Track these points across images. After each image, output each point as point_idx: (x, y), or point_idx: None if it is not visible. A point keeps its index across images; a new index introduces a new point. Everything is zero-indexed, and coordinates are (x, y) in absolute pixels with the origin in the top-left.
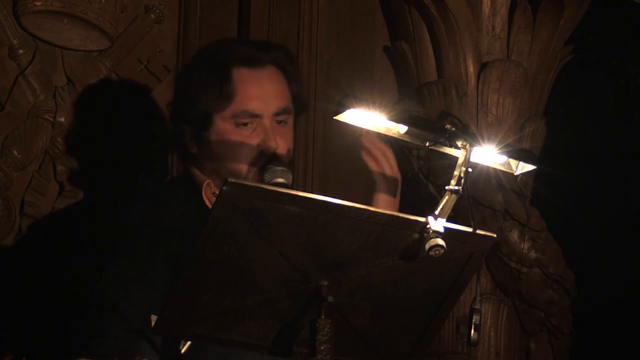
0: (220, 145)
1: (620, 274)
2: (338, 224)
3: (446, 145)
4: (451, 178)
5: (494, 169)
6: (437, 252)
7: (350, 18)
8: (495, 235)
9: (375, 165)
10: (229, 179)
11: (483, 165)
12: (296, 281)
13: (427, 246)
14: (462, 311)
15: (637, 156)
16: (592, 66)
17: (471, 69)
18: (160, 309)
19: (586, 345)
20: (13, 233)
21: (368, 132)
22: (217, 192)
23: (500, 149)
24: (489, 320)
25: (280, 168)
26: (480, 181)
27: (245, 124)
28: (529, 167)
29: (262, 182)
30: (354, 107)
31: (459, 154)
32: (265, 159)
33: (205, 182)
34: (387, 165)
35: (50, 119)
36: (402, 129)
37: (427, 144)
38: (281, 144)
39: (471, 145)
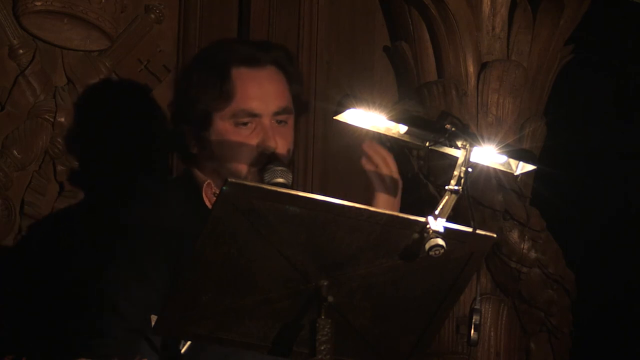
0: (220, 145)
1: (620, 274)
2: (338, 224)
3: (446, 145)
4: (451, 178)
5: (494, 169)
6: (437, 252)
7: (350, 18)
8: (495, 235)
9: (376, 171)
10: (229, 179)
11: (483, 165)
12: (296, 281)
13: (427, 246)
14: (462, 311)
15: (637, 156)
16: (592, 66)
17: (471, 69)
18: (160, 309)
19: (586, 345)
20: (13, 233)
21: (368, 132)
22: (218, 193)
23: (500, 149)
24: (489, 320)
25: (280, 168)
26: (480, 181)
27: (244, 124)
28: (529, 167)
29: (262, 182)
30: (354, 107)
31: (459, 154)
32: (265, 159)
33: (206, 183)
34: (388, 171)
35: (50, 119)
36: (402, 129)
37: (427, 144)
38: (281, 144)
39: (471, 145)
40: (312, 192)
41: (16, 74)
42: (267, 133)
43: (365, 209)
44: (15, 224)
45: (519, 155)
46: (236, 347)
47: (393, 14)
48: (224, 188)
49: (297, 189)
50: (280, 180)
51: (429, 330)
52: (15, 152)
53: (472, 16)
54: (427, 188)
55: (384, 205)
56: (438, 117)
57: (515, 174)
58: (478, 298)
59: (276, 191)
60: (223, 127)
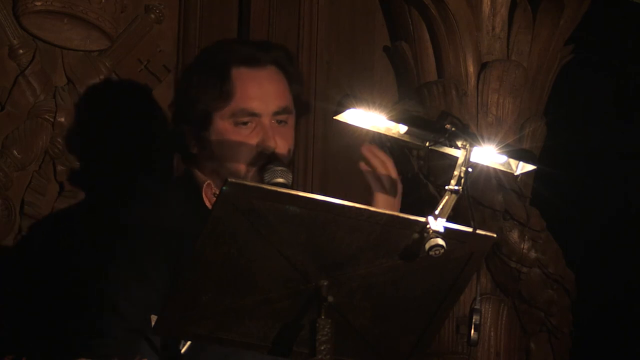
0: (220, 144)
1: (620, 274)
2: (338, 224)
3: (446, 145)
4: (451, 178)
5: (494, 169)
6: (437, 252)
7: (350, 18)
8: (495, 235)
9: (375, 175)
10: (229, 179)
11: (483, 165)
12: (296, 281)
13: (427, 246)
14: (462, 311)
15: (637, 156)
16: (592, 66)
17: (471, 69)
18: (160, 309)
19: (586, 345)
20: (13, 233)
21: (368, 132)
22: (218, 193)
23: (500, 149)
24: (489, 320)
25: (280, 168)
26: (480, 181)
27: (244, 123)
28: (529, 167)
29: (262, 182)
30: (354, 107)
31: (459, 154)
32: (265, 159)
33: (206, 183)
34: (387, 173)
35: (50, 119)
36: (402, 129)
37: (427, 144)
38: (281, 144)
39: (471, 145)
40: (312, 192)
41: (16, 74)
42: (267, 133)
43: (365, 209)
44: (15, 224)
45: (519, 155)
46: (236, 347)
47: (393, 14)
48: (224, 188)
49: (297, 189)
50: (280, 180)
51: (429, 330)
52: (15, 152)
53: (472, 16)
54: (427, 188)
55: (384, 207)
56: (438, 117)
57: (515, 174)
58: (478, 298)
59: (276, 191)
60: (223, 126)
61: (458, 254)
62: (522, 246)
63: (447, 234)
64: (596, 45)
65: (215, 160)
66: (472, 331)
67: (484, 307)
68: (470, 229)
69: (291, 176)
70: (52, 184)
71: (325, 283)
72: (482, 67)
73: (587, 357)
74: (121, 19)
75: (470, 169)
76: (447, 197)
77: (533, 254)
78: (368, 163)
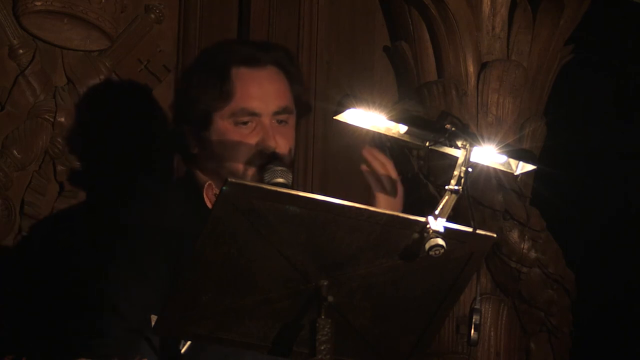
0: (220, 144)
1: (620, 274)
2: (338, 224)
3: (446, 145)
4: (451, 178)
5: (494, 169)
6: (437, 252)
7: (350, 18)
8: (495, 235)
9: (376, 177)
10: (229, 179)
11: (483, 165)
12: (296, 281)
13: (427, 246)
14: (462, 311)
15: (637, 156)
16: (592, 66)
17: (471, 69)
18: (160, 309)
19: (586, 345)
20: (13, 233)
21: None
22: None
23: (500, 149)
24: (489, 320)
25: (280, 168)
26: (480, 181)
27: (244, 123)
28: (529, 167)
29: (262, 182)
30: (354, 107)
31: (459, 154)
32: (265, 158)
33: (207, 184)
34: (387, 176)
35: (50, 119)
36: (402, 129)
37: (427, 144)
38: (281, 144)
39: (471, 145)
40: (312, 192)
41: (16, 74)
42: (267, 132)
43: (365, 209)
44: (15, 224)
45: (519, 155)
46: (236, 347)
47: (393, 14)
48: (224, 188)
49: (297, 189)
50: (280, 180)
51: (429, 330)
52: (15, 152)
53: (472, 16)
54: (427, 188)
55: (385, 209)
56: (438, 117)
57: (515, 174)
58: (478, 298)
59: (276, 191)
60: (223, 126)
61: (458, 254)
62: (522, 246)
63: (447, 234)
64: (596, 45)
65: (216, 160)
66: (472, 331)
67: (484, 307)
68: (470, 229)
69: (291, 176)
70: (52, 184)
71: (325, 283)
72: (482, 67)
73: (587, 357)
74: (121, 19)
75: (470, 169)
76: (447, 197)
77: (533, 254)
78: (369, 165)
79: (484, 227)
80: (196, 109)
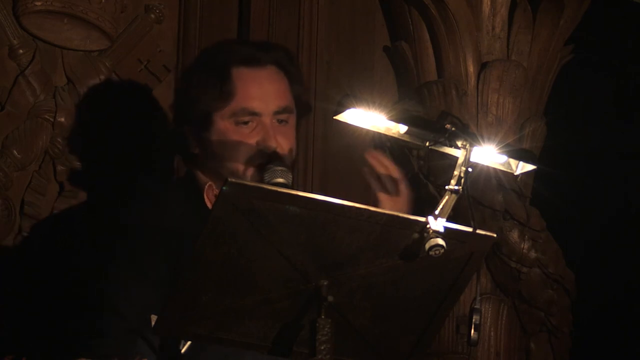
0: (221, 144)
1: (620, 274)
2: (338, 224)
3: (446, 145)
4: (451, 178)
5: (494, 169)
6: (437, 252)
7: (350, 18)
8: (495, 235)
9: (380, 180)
10: (229, 179)
11: (483, 165)
12: (296, 281)
13: (427, 246)
14: (462, 311)
15: (637, 156)
16: (592, 66)
17: (471, 69)
18: (160, 309)
19: (586, 345)
20: (13, 233)
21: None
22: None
23: (500, 148)
24: (489, 320)
25: (280, 168)
26: (480, 181)
27: (245, 123)
28: (529, 167)
29: (262, 181)
30: (354, 107)
31: (459, 153)
32: (266, 158)
33: (207, 185)
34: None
35: (50, 119)
36: (402, 128)
37: (427, 144)
38: (282, 143)
39: (471, 145)
40: (312, 192)
41: (16, 74)
42: (268, 132)
43: (365, 209)
44: (15, 224)
45: (519, 155)
46: (236, 347)
47: (393, 14)
48: (224, 188)
49: (297, 189)
50: (280, 180)
51: (429, 330)
52: (15, 152)
53: (472, 16)
54: (427, 188)
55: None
56: (438, 117)
57: (515, 174)
58: (478, 298)
59: (276, 191)
60: (224, 126)
61: (458, 254)
62: (522, 246)
63: (447, 234)
64: (596, 45)
65: (216, 160)
66: (472, 331)
67: (484, 307)
68: (470, 229)
69: (291, 176)
70: (52, 184)
71: (325, 283)
72: (482, 67)
73: (587, 357)
74: (121, 19)
75: (470, 169)
76: (447, 197)
77: (533, 254)
78: (372, 170)
79: (484, 227)
80: (196, 109)
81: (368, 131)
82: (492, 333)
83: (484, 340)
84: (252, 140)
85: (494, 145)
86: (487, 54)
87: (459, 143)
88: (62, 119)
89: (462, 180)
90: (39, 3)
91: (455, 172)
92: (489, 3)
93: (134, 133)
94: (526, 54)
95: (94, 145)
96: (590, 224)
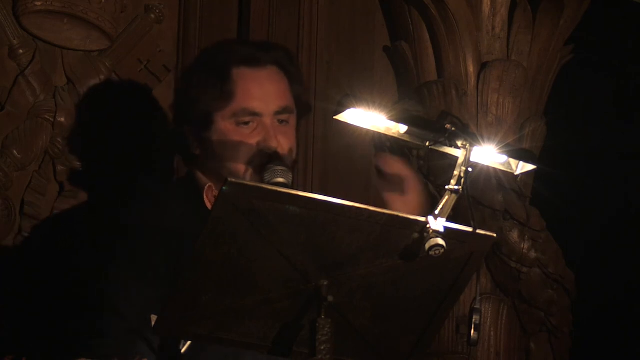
0: (222, 145)
1: (620, 274)
2: (338, 224)
3: (446, 145)
4: (451, 178)
5: (494, 168)
6: (437, 252)
7: (350, 18)
8: (495, 235)
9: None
10: (229, 179)
11: (483, 165)
12: (296, 281)
13: (427, 246)
14: (462, 311)
15: (637, 156)
16: (592, 66)
17: (471, 69)
18: (160, 309)
19: (586, 345)
20: (13, 233)
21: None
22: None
23: (500, 148)
24: (489, 320)
25: (280, 167)
26: (480, 181)
27: (246, 123)
28: (529, 167)
29: (262, 181)
30: (354, 107)
31: (459, 153)
32: (267, 158)
33: (207, 186)
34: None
35: (50, 119)
36: (402, 128)
37: (427, 143)
38: (283, 143)
39: (471, 145)
40: (312, 192)
41: (16, 74)
42: (269, 132)
43: (365, 209)
44: (15, 224)
45: (519, 155)
46: (236, 347)
47: (393, 14)
48: (224, 188)
49: (297, 189)
50: (281, 180)
51: (429, 330)
52: (15, 152)
53: (472, 16)
54: (427, 188)
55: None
56: (438, 117)
57: (515, 173)
58: (478, 298)
59: (276, 191)
60: (224, 126)
61: (458, 254)
62: (522, 246)
63: (447, 233)
64: (596, 45)
65: (217, 160)
66: (472, 331)
67: (484, 307)
68: (470, 229)
69: (291, 176)
70: (52, 184)
71: (325, 283)
72: (482, 67)
73: (587, 357)
74: (121, 19)
75: (470, 169)
76: (447, 197)
77: (533, 254)
78: (383, 172)
79: (484, 227)
80: (197, 109)
81: (368, 131)
82: (492, 333)
83: (484, 340)
84: (253, 141)
85: (494, 145)
86: (487, 54)
87: (459, 143)
88: (62, 119)
89: (462, 180)
90: (39, 3)
91: (455, 172)
92: (489, 3)
93: (134, 133)
94: (526, 54)
95: (94, 145)
96: (590, 224)
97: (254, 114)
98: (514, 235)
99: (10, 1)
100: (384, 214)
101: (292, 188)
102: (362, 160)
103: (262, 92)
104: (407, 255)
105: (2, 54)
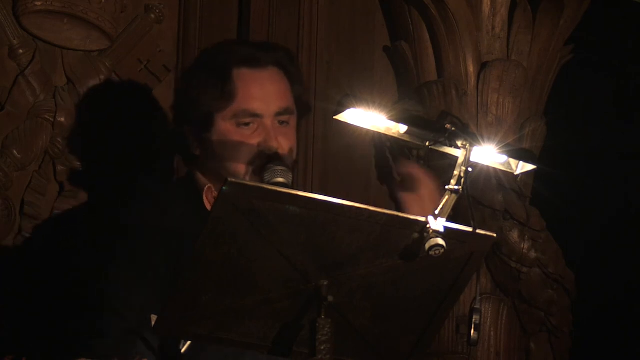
0: (222, 145)
1: (620, 274)
2: (338, 224)
3: (446, 145)
4: (451, 178)
5: (494, 168)
6: (437, 252)
7: (350, 18)
8: (495, 235)
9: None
10: (229, 179)
11: (483, 165)
12: (296, 281)
13: (427, 246)
14: (462, 311)
15: (637, 156)
16: (592, 66)
17: (471, 68)
18: (160, 309)
19: (586, 345)
20: (13, 233)
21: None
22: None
23: (500, 148)
24: (489, 320)
25: (280, 167)
26: (480, 181)
27: (246, 124)
28: (529, 167)
29: (262, 181)
30: (354, 107)
31: (459, 153)
32: (267, 159)
33: (207, 187)
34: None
35: (50, 119)
36: (402, 128)
37: (427, 143)
38: (283, 144)
39: (471, 145)
40: (312, 192)
41: (16, 74)
42: (269, 133)
43: (365, 209)
44: (15, 224)
45: (519, 155)
46: (236, 347)
47: (393, 14)
48: (224, 188)
49: (297, 189)
50: (281, 180)
51: (429, 330)
52: (15, 152)
53: (472, 16)
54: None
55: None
56: (438, 117)
57: (515, 173)
58: (478, 298)
59: (276, 191)
60: (225, 127)
61: (458, 254)
62: (522, 246)
63: (447, 233)
64: (596, 45)
65: (217, 160)
66: (472, 331)
67: (484, 307)
68: (470, 229)
69: (291, 176)
70: (52, 184)
71: (325, 283)
72: (482, 67)
73: (587, 357)
74: (121, 19)
75: (470, 169)
76: (447, 197)
77: (533, 254)
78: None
79: (484, 227)
80: (197, 109)
81: (368, 131)
82: (492, 333)
83: (484, 340)
84: (254, 142)
85: (494, 145)
86: (487, 54)
87: (459, 143)
88: (62, 119)
89: (462, 180)
90: (39, 3)
91: (455, 172)
92: (489, 3)
93: (134, 133)
94: (526, 54)
95: (94, 145)
96: (590, 224)
97: (255, 115)
98: (514, 235)
99: (10, 1)
100: (384, 214)
101: (292, 188)
102: (362, 160)
103: (262, 93)
104: (407, 255)
105: (2, 54)
